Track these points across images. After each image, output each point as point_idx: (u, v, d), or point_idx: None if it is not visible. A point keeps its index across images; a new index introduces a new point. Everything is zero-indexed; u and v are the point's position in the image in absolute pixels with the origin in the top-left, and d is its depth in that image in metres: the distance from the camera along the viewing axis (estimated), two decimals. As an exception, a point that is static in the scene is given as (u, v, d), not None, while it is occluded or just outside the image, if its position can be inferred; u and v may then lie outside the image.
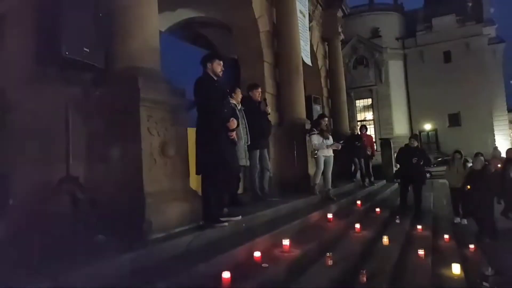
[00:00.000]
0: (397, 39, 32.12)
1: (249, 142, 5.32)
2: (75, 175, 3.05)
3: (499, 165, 8.40)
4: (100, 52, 3.26)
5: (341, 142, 7.16)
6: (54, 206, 2.92)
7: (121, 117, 3.43)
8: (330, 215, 5.47)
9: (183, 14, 10.72)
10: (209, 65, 4.03)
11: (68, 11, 2.95)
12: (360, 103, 32.26)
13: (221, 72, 4.10)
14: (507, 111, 31.34)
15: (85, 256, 2.58)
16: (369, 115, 32.15)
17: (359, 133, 10.47)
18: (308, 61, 10.25)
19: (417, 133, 28.10)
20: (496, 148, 14.38)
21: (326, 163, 6.92)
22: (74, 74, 3.14)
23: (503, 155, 9.60)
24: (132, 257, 2.73)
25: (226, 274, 2.77)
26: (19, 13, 3.42)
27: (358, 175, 10.32)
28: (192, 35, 12.04)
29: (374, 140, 13.47)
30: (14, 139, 3.34)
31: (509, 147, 11.17)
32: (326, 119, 7.43)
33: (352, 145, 10.02)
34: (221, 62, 4.09)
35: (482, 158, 7.52)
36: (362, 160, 10.09)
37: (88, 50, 3.07)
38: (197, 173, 3.97)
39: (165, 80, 3.77)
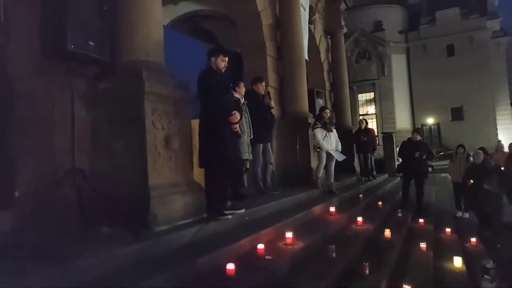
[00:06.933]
0: (400, 32, 31.89)
1: (252, 136, 5.34)
2: (80, 167, 3.07)
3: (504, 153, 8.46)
4: (105, 45, 3.27)
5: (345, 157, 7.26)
6: (59, 198, 2.94)
7: (125, 110, 3.45)
8: (332, 209, 5.50)
9: (186, 7, 10.72)
10: (213, 59, 4.02)
11: (73, 4, 2.95)
12: (362, 97, 32.15)
13: (224, 69, 4.08)
14: (510, 106, 31.05)
15: (89, 248, 2.61)
16: (371, 109, 32.05)
17: (363, 127, 10.20)
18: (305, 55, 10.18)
19: (420, 127, 28.08)
20: (499, 141, 14.38)
21: (328, 156, 6.94)
22: (79, 67, 3.16)
23: (506, 149, 9.59)
24: (136, 249, 2.75)
25: (230, 266, 2.80)
26: (25, 6, 3.43)
27: (358, 169, 10.34)
28: (194, 29, 12.04)
29: (376, 134, 13.42)
30: (20, 131, 3.37)
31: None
32: (328, 110, 7.48)
33: (357, 139, 10.00)
34: (226, 59, 4.07)
35: (481, 152, 7.62)
36: (369, 154, 10.07)
37: (93, 44, 3.08)
38: (200, 166, 3.98)
39: (169, 74, 3.79)
